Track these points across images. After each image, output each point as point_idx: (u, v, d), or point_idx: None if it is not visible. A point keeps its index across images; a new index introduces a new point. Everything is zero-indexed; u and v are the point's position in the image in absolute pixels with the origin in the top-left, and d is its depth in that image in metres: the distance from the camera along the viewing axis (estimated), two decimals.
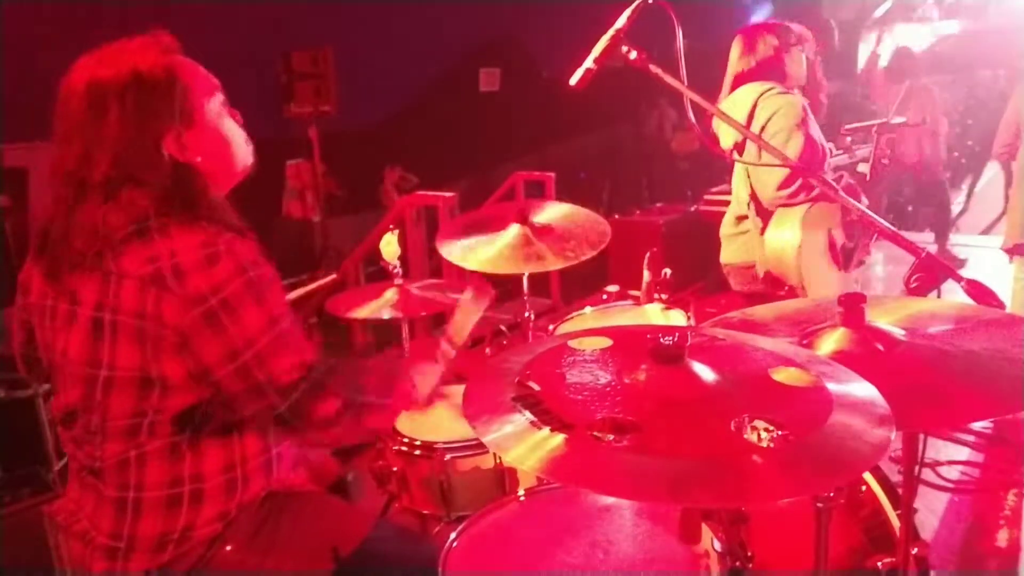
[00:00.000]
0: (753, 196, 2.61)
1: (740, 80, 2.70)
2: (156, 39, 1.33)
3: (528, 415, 1.01)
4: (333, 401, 1.33)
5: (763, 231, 2.56)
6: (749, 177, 2.63)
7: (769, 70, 2.66)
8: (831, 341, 1.25)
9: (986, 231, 7.04)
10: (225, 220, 1.32)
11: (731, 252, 2.78)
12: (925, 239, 6.15)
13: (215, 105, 1.37)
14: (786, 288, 2.29)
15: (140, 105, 1.26)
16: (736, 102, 2.65)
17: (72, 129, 1.28)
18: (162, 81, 1.28)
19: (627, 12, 1.58)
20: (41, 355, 1.41)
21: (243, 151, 1.44)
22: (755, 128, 2.54)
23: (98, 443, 1.32)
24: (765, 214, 2.57)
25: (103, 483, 1.34)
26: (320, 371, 1.33)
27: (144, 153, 1.27)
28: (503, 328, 2.28)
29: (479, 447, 1.84)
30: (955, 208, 7.87)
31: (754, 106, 2.59)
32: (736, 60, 2.73)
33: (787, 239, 2.44)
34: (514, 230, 2.23)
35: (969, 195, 8.43)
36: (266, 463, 1.44)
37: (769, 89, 2.61)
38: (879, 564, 1.41)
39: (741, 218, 2.72)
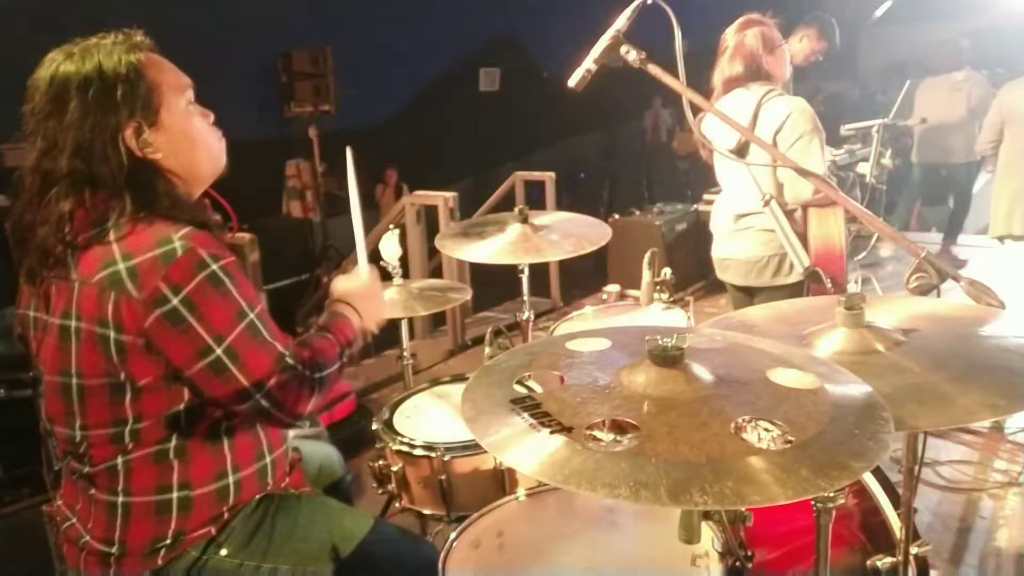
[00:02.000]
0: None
1: (731, 84, 2.71)
2: (127, 36, 1.31)
3: (527, 417, 1.01)
4: (308, 390, 1.31)
5: (804, 226, 2.60)
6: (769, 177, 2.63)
7: (755, 71, 2.66)
8: (831, 341, 1.25)
9: (985, 231, 7.04)
10: (188, 217, 1.29)
11: (734, 248, 2.79)
12: (928, 239, 6.14)
13: (183, 104, 1.35)
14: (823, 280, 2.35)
15: (101, 98, 1.25)
16: (734, 106, 2.64)
17: (37, 123, 1.28)
18: (125, 76, 1.27)
19: (627, 12, 1.58)
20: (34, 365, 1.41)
21: (212, 152, 1.40)
22: (764, 133, 2.55)
23: (85, 450, 1.32)
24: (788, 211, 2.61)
25: (94, 487, 1.34)
26: (293, 358, 1.30)
27: (101, 145, 1.25)
28: (503, 328, 2.27)
29: (479, 447, 1.84)
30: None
31: (757, 110, 2.60)
32: (724, 63, 2.73)
33: (834, 226, 2.60)
34: (515, 229, 2.23)
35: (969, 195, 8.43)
36: (260, 471, 1.43)
37: (769, 91, 2.62)
38: (879, 564, 1.41)
39: (742, 215, 2.73)
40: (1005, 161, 3.88)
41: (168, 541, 1.33)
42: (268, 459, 1.45)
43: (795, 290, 2.65)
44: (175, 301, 1.21)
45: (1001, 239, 3.84)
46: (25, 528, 2.50)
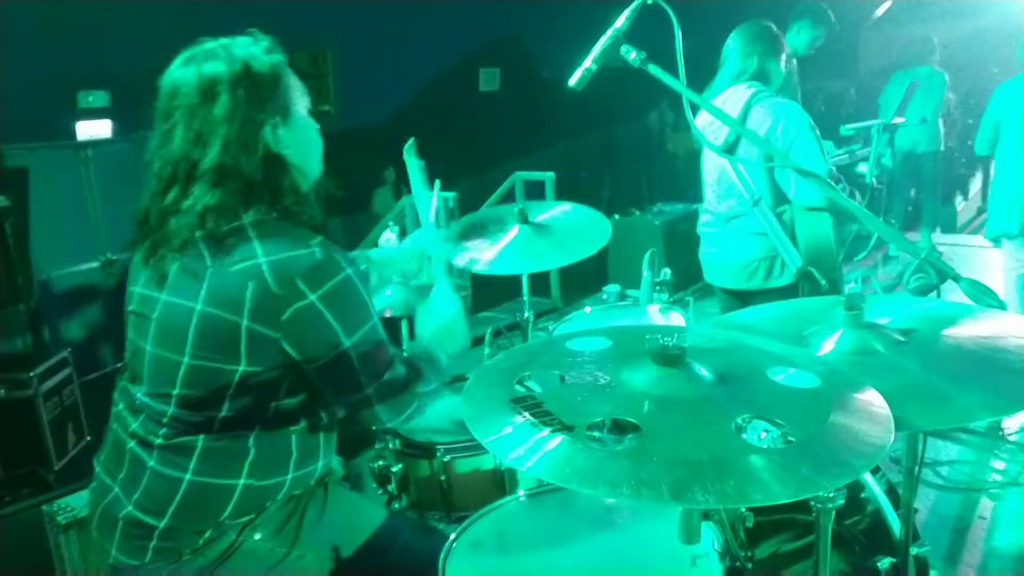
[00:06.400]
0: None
1: (730, 81, 2.71)
2: (260, 40, 1.42)
3: (528, 416, 1.01)
4: (410, 397, 1.41)
5: (792, 228, 2.58)
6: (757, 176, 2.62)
7: (759, 73, 2.67)
8: (831, 341, 1.25)
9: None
10: (312, 213, 1.42)
11: (725, 251, 2.78)
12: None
13: (305, 108, 1.46)
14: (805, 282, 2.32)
15: (249, 96, 1.33)
16: (724, 104, 2.63)
17: (182, 116, 1.33)
18: (269, 77, 1.37)
19: (627, 12, 1.58)
20: (128, 342, 1.45)
21: (320, 156, 1.52)
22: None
23: (168, 421, 1.35)
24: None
25: (157, 460, 1.37)
26: (403, 362, 1.41)
27: (247, 139, 1.33)
28: (503, 328, 2.28)
29: (479, 447, 1.84)
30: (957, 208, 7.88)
31: (747, 110, 2.59)
32: (735, 60, 2.72)
33: (823, 231, 2.55)
34: (515, 230, 2.23)
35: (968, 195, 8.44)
36: (310, 473, 1.48)
37: (759, 92, 2.62)
38: (879, 564, 1.41)
39: (733, 218, 2.72)
40: (1001, 161, 3.86)
41: (214, 523, 1.37)
42: (320, 463, 1.49)
43: (788, 293, 2.64)
44: (312, 298, 1.28)
45: (997, 239, 3.80)
46: (25, 528, 2.50)
